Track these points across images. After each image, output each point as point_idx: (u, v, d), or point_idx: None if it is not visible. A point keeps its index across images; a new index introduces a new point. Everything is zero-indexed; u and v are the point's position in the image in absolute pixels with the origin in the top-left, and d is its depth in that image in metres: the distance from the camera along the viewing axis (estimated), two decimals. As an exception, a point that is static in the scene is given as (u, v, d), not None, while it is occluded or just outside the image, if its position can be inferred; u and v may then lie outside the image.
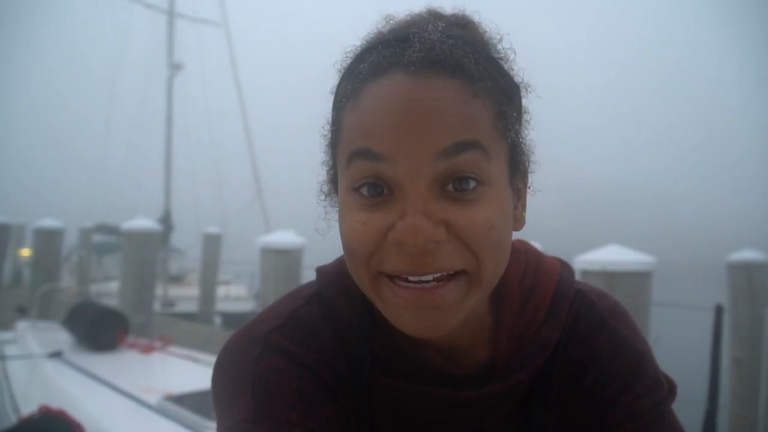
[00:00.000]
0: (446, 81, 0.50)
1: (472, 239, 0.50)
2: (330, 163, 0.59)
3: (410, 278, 0.50)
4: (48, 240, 8.79)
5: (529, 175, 0.59)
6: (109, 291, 10.32)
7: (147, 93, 16.51)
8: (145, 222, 7.07)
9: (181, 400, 2.53)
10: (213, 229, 13.38)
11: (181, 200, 16.03)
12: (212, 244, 12.86)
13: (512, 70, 0.57)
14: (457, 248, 0.50)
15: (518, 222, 0.58)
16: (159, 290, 7.07)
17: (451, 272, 0.50)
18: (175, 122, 16.24)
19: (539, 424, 0.61)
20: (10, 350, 3.93)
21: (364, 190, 0.50)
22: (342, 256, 0.61)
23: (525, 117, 0.58)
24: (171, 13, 16.45)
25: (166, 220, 14.59)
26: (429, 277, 0.49)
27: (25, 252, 14.59)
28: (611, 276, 3.48)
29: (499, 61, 0.56)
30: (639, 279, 3.50)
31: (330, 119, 0.57)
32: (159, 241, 7.39)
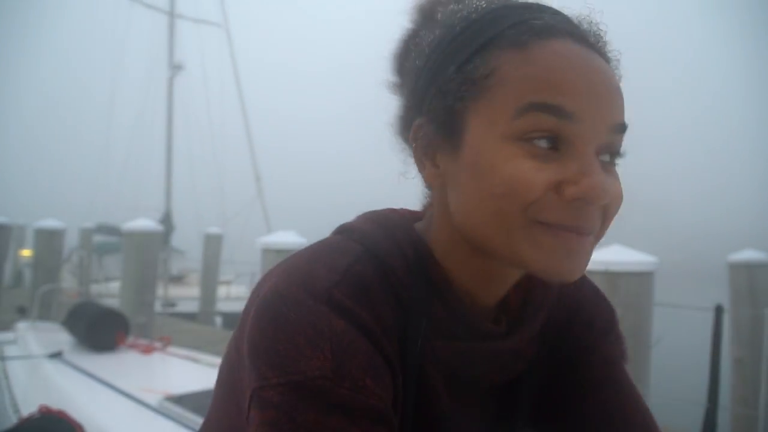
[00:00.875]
0: (607, 64, 0.55)
1: (610, 208, 0.55)
2: (449, 107, 0.56)
3: (572, 231, 0.53)
4: (49, 240, 8.80)
5: None
6: (110, 291, 10.33)
7: (148, 93, 16.54)
8: (145, 222, 7.08)
9: (182, 400, 2.53)
10: (214, 230, 13.38)
11: (182, 201, 16.05)
12: (213, 244, 12.86)
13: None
14: (598, 212, 0.54)
15: None
16: (160, 290, 7.06)
17: (593, 232, 0.55)
18: (175, 123, 16.28)
19: (540, 367, 0.67)
20: (11, 351, 3.93)
21: (540, 142, 0.51)
22: (373, 216, 0.63)
23: None
24: (172, 14, 16.47)
25: (166, 220, 14.60)
26: (587, 233, 0.54)
27: (26, 252, 14.61)
28: (614, 276, 3.48)
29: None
30: (641, 279, 3.50)
31: (454, 60, 0.55)
32: (160, 241, 7.39)
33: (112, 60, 17.33)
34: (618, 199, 0.55)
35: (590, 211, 0.52)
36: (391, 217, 0.63)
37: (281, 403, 0.49)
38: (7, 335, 4.32)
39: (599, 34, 0.57)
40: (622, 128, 0.54)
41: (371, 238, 0.60)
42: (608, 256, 3.62)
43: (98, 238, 14.66)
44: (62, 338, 3.84)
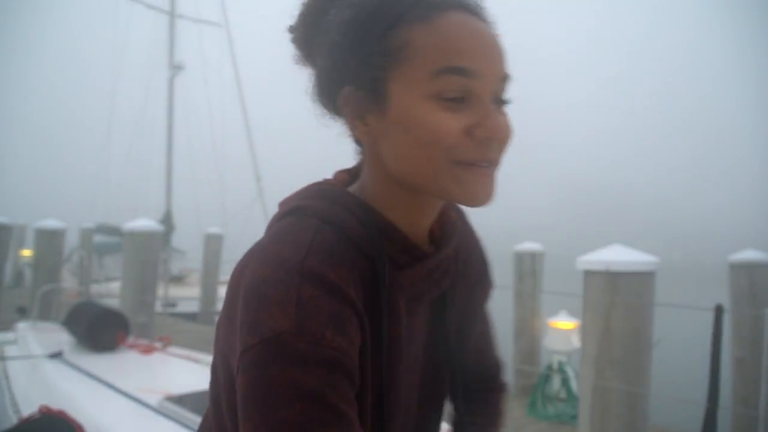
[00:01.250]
0: (491, 27, 0.68)
1: (506, 141, 0.68)
2: (374, 77, 0.67)
3: (483, 165, 0.66)
4: (49, 240, 8.79)
5: None
6: (111, 291, 10.33)
7: (148, 94, 16.54)
8: (146, 222, 7.07)
9: (182, 400, 2.53)
10: (214, 230, 13.37)
11: (182, 201, 16.05)
12: (213, 244, 12.85)
13: None
14: (498, 146, 0.68)
15: None
16: (160, 291, 7.05)
17: (495, 164, 0.68)
18: (176, 123, 16.27)
19: (458, 283, 0.82)
20: (11, 351, 3.93)
21: (450, 99, 0.64)
22: (315, 192, 0.74)
23: None
24: (172, 14, 16.47)
25: (167, 220, 14.61)
26: (492, 166, 0.67)
27: (26, 252, 14.61)
28: (615, 276, 3.47)
29: None
30: (643, 279, 3.49)
31: (372, 38, 0.66)
32: (160, 241, 7.38)
33: (113, 60, 17.34)
34: (511, 132, 0.68)
35: (495, 146, 0.66)
36: (330, 189, 0.74)
37: (257, 360, 0.59)
38: (8, 335, 4.32)
39: (479, 2, 0.69)
40: (506, 78, 0.68)
41: (323, 211, 0.70)
42: (609, 256, 3.61)
43: (99, 238, 14.66)
44: (62, 338, 3.84)
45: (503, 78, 0.67)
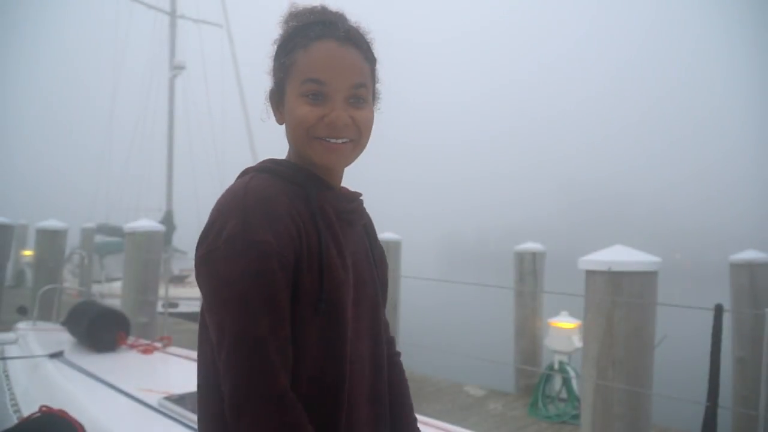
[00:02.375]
0: (354, 50, 1.01)
1: (360, 125, 1.01)
2: (279, 81, 1.04)
3: (331, 140, 0.99)
4: (50, 240, 8.81)
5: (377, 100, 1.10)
6: (113, 291, 10.33)
7: (149, 94, 16.54)
8: (147, 222, 7.08)
9: (182, 400, 2.53)
10: (215, 230, 13.32)
11: (183, 201, 16.04)
12: (214, 244, 12.81)
13: (374, 50, 1.07)
14: (353, 129, 1.01)
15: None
16: (161, 290, 7.05)
17: (348, 139, 1.01)
18: (176, 123, 16.26)
19: (368, 236, 1.17)
20: (11, 350, 3.93)
21: (311, 97, 0.98)
22: (252, 166, 1.06)
23: (377, 74, 1.08)
24: (173, 14, 16.47)
25: (168, 220, 14.60)
26: (339, 141, 1.00)
27: (28, 253, 14.61)
28: (617, 276, 3.46)
29: (371, 44, 1.06)
30: (645, 279, 3.48)
31: (282, 56, 1.03)
32: (161, 241, 7.38)
33: (114, 61, 17.34)
34: (365, 120, 1.02)
35: (340, 128, 0.99)
36: (275, 160, 1.07)
37: (215, 257, 0.89)
38: (8, 335, 4.31)
39: (356, 33, 1.02)
40: (358, 85, 1.00)
41: (264, 165, 1.05)
42: (611, 256, 3.61)
43: (100, 238, 14.66)
44: (63, 338, 3.84)
45: (354, 85, 1.00)
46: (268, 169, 1.02)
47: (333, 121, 0.97)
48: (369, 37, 1.06)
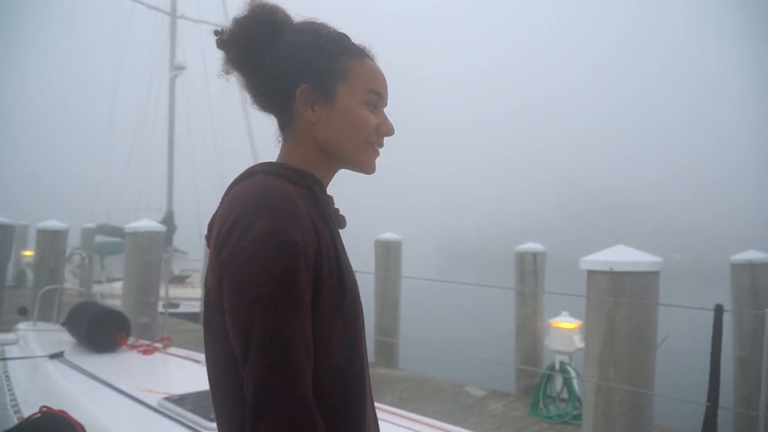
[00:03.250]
0: None
1: (392, 134, 1.10)
2: (330, 83, 1.03)
3: (378, 147, 1.08)
4: (51, 241, 8.80)
5: None
6: (113, 292, 10.32)
7: (149, 94, 16.55)
8: (148, 223, 7.08)
9: (182, 400, 2.53)
10: (215, 230, 13.32)
11: (184, 201, 16.04)
12: (215, 244, 12.81)
13: None
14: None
15: None
16: (162, 291, 7.05)
17: None
18: (177, 123, 16.27)
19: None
20: (12, 351, 3.93)
21: (371, 107, 1.06)
22: (270, 167, 1.04)
23: None
24: (173, 15, 16.47)
25: (168, 220, 14.61)
26: (381, 148, 1.09)
27: (28, 253, 14.61)
28: (619, 276, 3.46)
29: None
30: (647, 279, 3.48)
31: (326, 59, 1.03)
32: (162, 241, 7.38)
33: (114, 61, 17.35)
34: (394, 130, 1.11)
35: (388, 137, 1.09)
36: (274, 163, 1.06)
37: (243, 257, 0.87)
38: (9, 336, 4.32)
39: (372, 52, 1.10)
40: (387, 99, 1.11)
41: (267, 167, 1.03)
42: (613, 256, 3.60)
43: (100, 239, 14.66)
44: (63, 338, 3.84)
45: (387, 99, 1.11)
46: (274, 170, 1.01)
47: (387, 131, 1.09)
48: None
